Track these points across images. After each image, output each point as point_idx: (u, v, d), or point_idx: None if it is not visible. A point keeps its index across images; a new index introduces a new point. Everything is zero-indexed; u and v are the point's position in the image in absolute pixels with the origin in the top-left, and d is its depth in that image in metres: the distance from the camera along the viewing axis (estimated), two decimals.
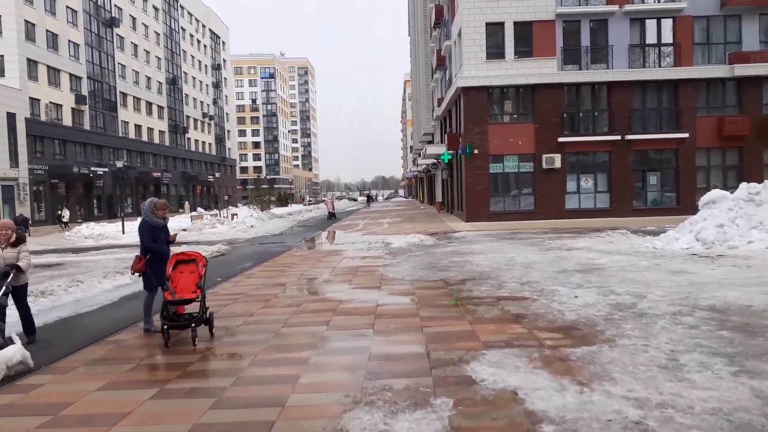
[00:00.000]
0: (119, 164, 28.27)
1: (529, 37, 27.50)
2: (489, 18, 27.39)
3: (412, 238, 19.28)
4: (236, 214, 38.49)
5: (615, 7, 27.21)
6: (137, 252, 7.56)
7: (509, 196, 28.13)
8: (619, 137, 27.36)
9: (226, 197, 70.70)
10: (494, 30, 27.59)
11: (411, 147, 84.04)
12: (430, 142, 50.04)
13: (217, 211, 39.63)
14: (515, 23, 27.36)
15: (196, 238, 26.13)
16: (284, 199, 73.16)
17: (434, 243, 18.33)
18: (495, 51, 27.64)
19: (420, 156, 49.18)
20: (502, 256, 14.06)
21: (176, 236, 7.84)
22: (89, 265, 16.49)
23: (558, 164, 27.29)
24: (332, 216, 38.88)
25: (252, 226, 29.71)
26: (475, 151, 27.44)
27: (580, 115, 28.30)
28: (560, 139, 27.31)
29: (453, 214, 34.41)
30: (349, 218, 39.14)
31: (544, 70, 27.27)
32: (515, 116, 28.25)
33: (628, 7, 27.22)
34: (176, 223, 32.82)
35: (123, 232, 26.85)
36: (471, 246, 16.78)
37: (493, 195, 27.93)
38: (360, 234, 24.22)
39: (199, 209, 51.09)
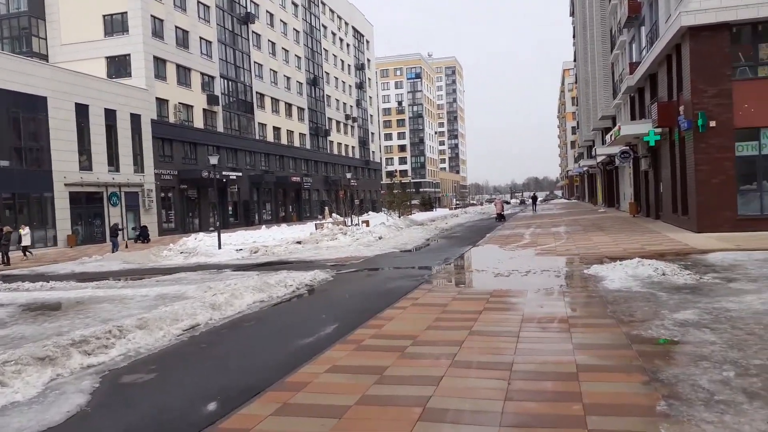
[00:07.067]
0: (213, 161, 22.78)
1: None
2: None
3: (638, 266, 10.62)
4: (368, 222, 32.01)
5: None
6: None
7: None
8: None
9: (358, 201, 65.16)
10: None
11: (572, 142, 72.86)
12: (608, 129, 39.66)
13: (348, 218, 33.37)
14: None
15: (307, 254, 19.51)
16: (428, 203, 66.03)
17: (695, 281, 9.49)
18: None
19: (594, 146, 38.93)
20: None
21: None
22: (107, 310, 10.19)
23: None
24: (501, 217, 36.07)
25: (380, 238, 22.54)
26: (711, 124, 17.75)
27: None
28: None
29: (661, 220, 24.43)
30: (509, 224, 30.66)
31: None
32: None
33: None
34: (293, 234, 27.00)
35: (219, 247, 21.08)
36: None
37: (742, 191, 17.95)
38: (533, 252, 15.87)
39: (335, 215, 46.00)
